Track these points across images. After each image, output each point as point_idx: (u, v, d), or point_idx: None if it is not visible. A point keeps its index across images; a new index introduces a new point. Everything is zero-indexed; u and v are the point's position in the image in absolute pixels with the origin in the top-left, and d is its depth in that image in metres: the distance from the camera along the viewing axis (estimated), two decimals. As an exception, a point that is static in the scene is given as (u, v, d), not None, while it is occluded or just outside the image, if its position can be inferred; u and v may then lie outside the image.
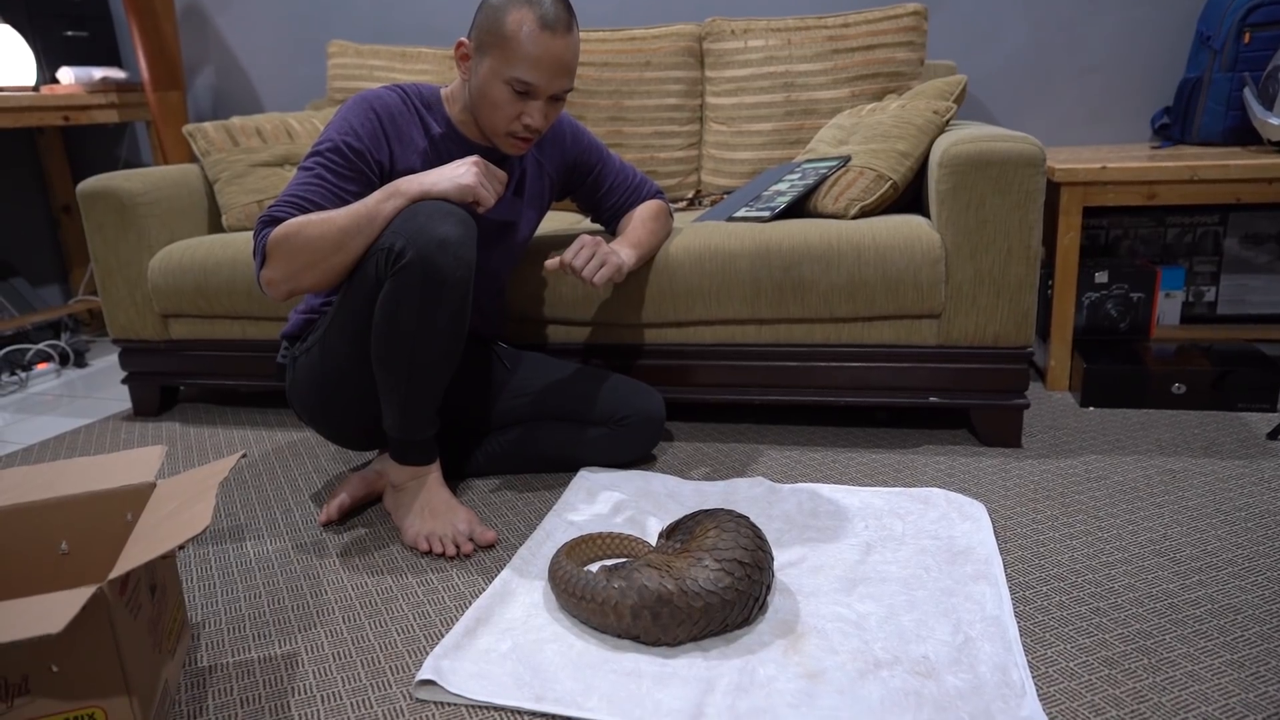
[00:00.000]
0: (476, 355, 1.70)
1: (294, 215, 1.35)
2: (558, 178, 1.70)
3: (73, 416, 2.23)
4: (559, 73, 1.39)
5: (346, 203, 1.39)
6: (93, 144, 3.17)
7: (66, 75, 2.69)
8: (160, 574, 1.10)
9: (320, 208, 1.37)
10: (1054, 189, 1.98)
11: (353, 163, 1.41)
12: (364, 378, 1.43)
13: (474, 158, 1.36)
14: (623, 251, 1.60)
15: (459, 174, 1.33)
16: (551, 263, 1.49)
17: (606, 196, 1.74)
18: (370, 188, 1.42)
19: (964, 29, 2.41)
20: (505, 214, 1.60)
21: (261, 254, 1.36)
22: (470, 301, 1.37)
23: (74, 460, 1.25)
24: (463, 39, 1.43)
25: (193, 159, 2.73)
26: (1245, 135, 2.12)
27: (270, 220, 1.36)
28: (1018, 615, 1.17)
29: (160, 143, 2.75)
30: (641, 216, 1.72)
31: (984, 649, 1.08)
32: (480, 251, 1.60)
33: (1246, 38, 2.08)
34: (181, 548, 1.22)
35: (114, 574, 0.91)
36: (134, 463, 1.22)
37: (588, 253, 1.49)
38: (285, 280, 1.35)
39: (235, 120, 2.26)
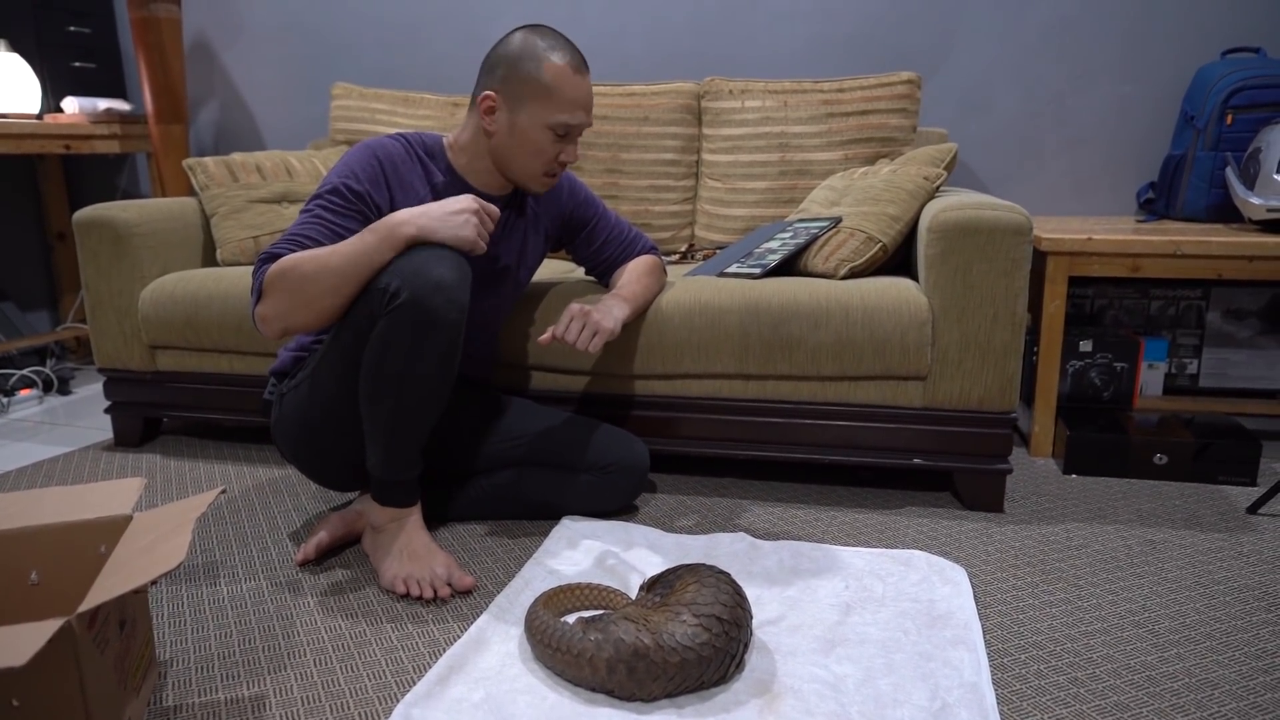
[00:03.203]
0: (463, 398, 1.70)
1: (293, 252, 1.36)
2: (554, 230, 1.72)
3: (53, 444, 2.21)
4: (590, 109, 1.51)
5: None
6: (92, 173, 3.19)
7: (71, 105, 2.72)
8: (131, 609, 1.08)
9: (320, 245, 1.38)
10: (1040, 258, 2.01)
11: (353, 203, 1.43)
12: (350, 417, 1.43)
13: (469, 197, 1.36)
14: (616, 308, 1.61)
15: (457, 224, 1.34)
16: (544, 338, 1.53)
17: (601, 250, 1.76)
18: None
19: (956, 99, 2.47)
20: (503, 262, 1.62)
21: (258, 290, 1.36)
22: (460, 344, 1.37)
23: (50, 489, 1.23)
24: (489, 92, 1.46)
25: (191, 192, 2.75)
26: (1227, 213, 2.17)
27: (269, 257, 1.37)
28: (995, 683, 1.16)
29: (160, 175, 2.77)
30: (637, 271, 1.74)
31: (961, 716, 1.07)
32: (475, 302, 1.61)
33: (1229, 119, 2.13)
34: (154, 583, 1.20)
35: (83, 607, 0.89)
36: (112, 494, 1.21)
37: (578, 325, 1.53)
38: (278, 318, 1.35)
39: (236, 156, 2.28)
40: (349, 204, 1.42)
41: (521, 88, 1.44)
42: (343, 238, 1.40)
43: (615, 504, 1.66)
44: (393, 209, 1.47)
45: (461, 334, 1.36)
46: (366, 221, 1.44)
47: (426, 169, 1.52)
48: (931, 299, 1.67)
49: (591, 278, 1.88)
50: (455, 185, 1.53)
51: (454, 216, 1.34)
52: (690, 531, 1.64)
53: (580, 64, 1.47)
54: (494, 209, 1.38)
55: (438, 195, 1.52)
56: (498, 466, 1.67)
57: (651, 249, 1.82)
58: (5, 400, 2.57)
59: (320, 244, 1.38)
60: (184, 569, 1.51)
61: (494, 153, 1.51)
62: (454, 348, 1.35)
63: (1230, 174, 2.08)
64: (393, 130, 2.49)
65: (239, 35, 2.94)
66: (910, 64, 2.47)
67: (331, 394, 1.43)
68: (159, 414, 2.13)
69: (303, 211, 1.43)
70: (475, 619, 1.32)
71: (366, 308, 1.34)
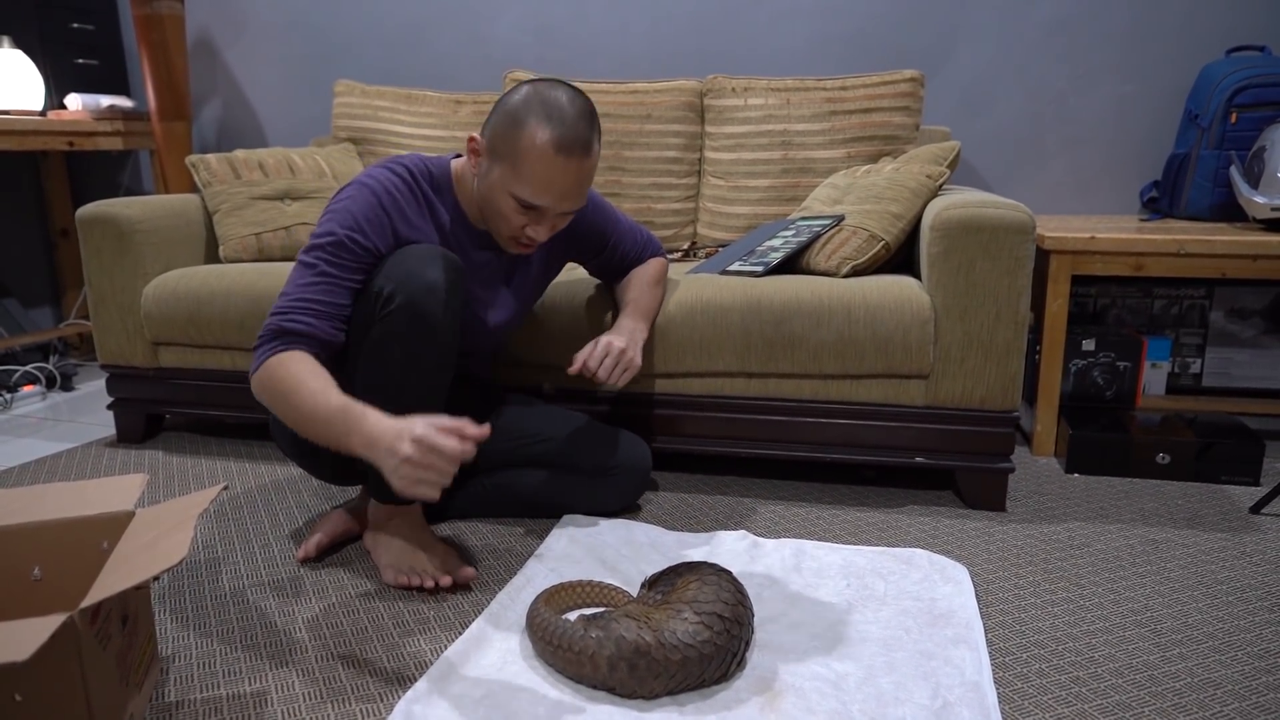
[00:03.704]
0: (466, 397, 1.70)
1: (303, 321, 1.30)
2: (571, 246, 1.68)
3: (55, 440, 2.21)
4: (568, 196, 1.37)
5: (354, 292, 1.35)
6: (95, 170, 3.19)
7: (74, 101, 2.72)
8: (133, 605, 1.08)
9: (330, 305, 1.33)
10: (1043, 256, 2.01)
11: (361, 257, 1.36)
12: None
13: (424, 441, 1.07)
14: (640, 334, 1.60)
15: (392, 469, 1.09)
16: (573, 369, 1.50)
17: (619, 261, 1.73)
18: None
19: (959, 97, 2.46)
20: (508, 305, 1.60)
21: (258, 360, 1.31)
22: (456, 344, 1.37)
23: (53, 485, 1.24)
24: (474, 135, 1.39)
25: (194, 189, 2.75)
26: (1231, 211, 2.16)
27: (278, 330, 1.29)
28: (997, 682, 1.16)
29: (163, 172, 2.77)
30: (647, 280, 1.71)
31: (962, 715, 1.07)
32: (485, 328, 1.59)
33: (1233, 118, 2.13)
34: (156, 579, 1.21)
35: (85, 603, 0.89)
36: (114, 490, 1.21)
37: (611, 361, 1.50)
38: (259, 394, 1.31)
39: (239, 153, 2.28)
40: (357, 258, 1.35)
41: (501, 144, 1.35)
42: (350, 289, 1.35)
43: (618, 504, 1.66)
44: (397, 245, 1.41)
45: (457, 335, 1.36)
46: (370, 270, 1.38)
47: (432, 207, 1.46)
48: (934, 297, 1.66)
49: (594, 278, 1.87)
50: (460, 222, 1.49)
51: (401, 466, 1.08)
52: (692, 529, 1.63)
53: (571, 145, 1.32)
54: (453, 447, 1.07)
55: (444, 236, 1.48)
56: (499, 465, 1.67)
57: (658, 251, 1.80)
58: (8, 396, 2.57)
59: (332, 304, 1.33)
60: (186, 565, 1.52)
61: (477, 195, 1.45)
62: (450, 349, 1.35)
63: (1234, 173, 2.08)
64: (393, 128, 2.49)
65: (242, 32, 2.94)
66: (913, 62, 2.47)
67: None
68: (161, 410, 2.13)
69: (303, 263, 1.34)
70: (477, 616, 1.32)
71: (361, 311, 1.33)
